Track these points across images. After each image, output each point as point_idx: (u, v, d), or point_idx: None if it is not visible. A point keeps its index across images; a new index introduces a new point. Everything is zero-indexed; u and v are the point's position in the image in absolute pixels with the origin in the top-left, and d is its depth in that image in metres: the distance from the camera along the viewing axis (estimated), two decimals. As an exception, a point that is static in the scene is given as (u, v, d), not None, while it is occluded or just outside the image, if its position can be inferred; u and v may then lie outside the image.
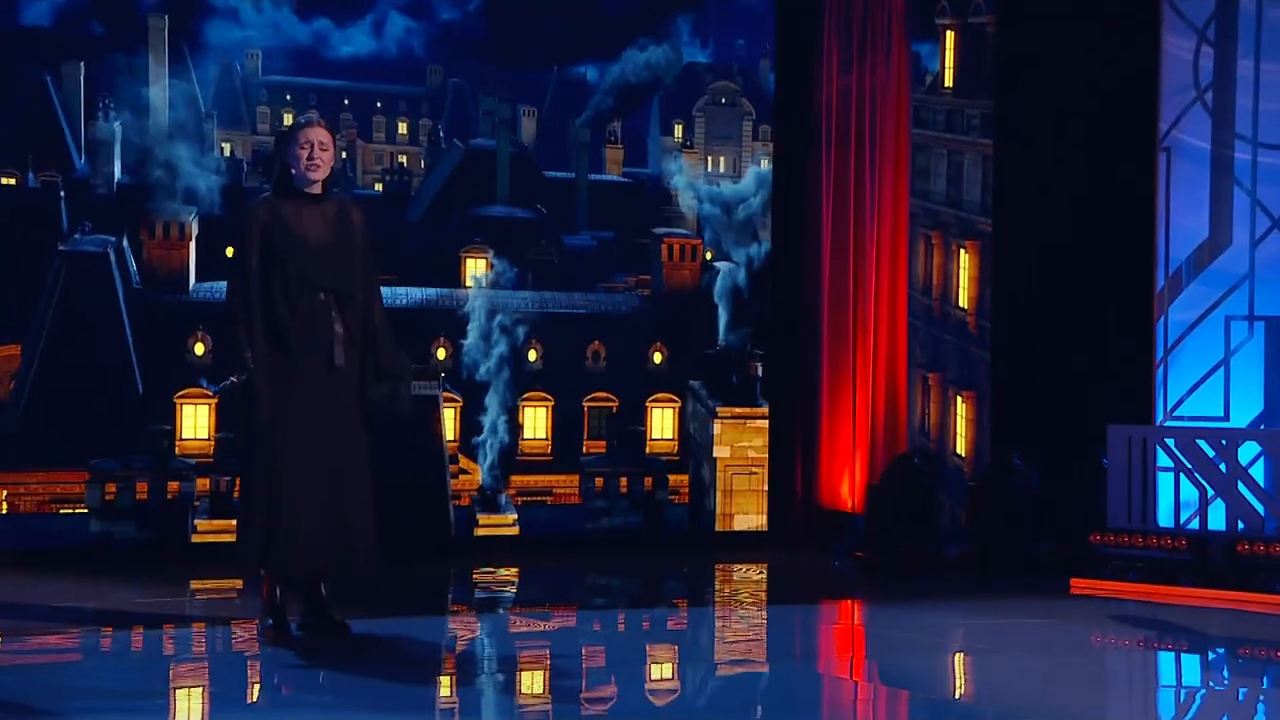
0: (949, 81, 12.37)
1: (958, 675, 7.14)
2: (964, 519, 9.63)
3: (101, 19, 9.53)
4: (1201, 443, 8.41)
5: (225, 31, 9.91)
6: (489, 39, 10.44)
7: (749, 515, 10.72)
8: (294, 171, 6.67)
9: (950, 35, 12.30)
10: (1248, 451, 8.59)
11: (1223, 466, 8.31)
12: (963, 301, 12.46)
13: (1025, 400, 10.25)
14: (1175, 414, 9.19)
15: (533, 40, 10.57)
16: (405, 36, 10.24)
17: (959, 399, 12.45)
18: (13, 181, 9.56)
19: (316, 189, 6.70)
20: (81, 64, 9.40)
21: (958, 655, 7.55)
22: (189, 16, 9.76)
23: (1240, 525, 8.25)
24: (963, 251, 12.59)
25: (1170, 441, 8.53)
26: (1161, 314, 9.30)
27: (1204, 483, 8.39)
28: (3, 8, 9.39)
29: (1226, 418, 9.07)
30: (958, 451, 12.46)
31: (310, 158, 6.62)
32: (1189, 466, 8.42)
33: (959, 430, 12.33)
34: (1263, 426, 9.05)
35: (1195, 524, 8.51)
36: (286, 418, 6.55)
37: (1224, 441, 8.49)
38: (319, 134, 6.68)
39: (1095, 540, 8.45)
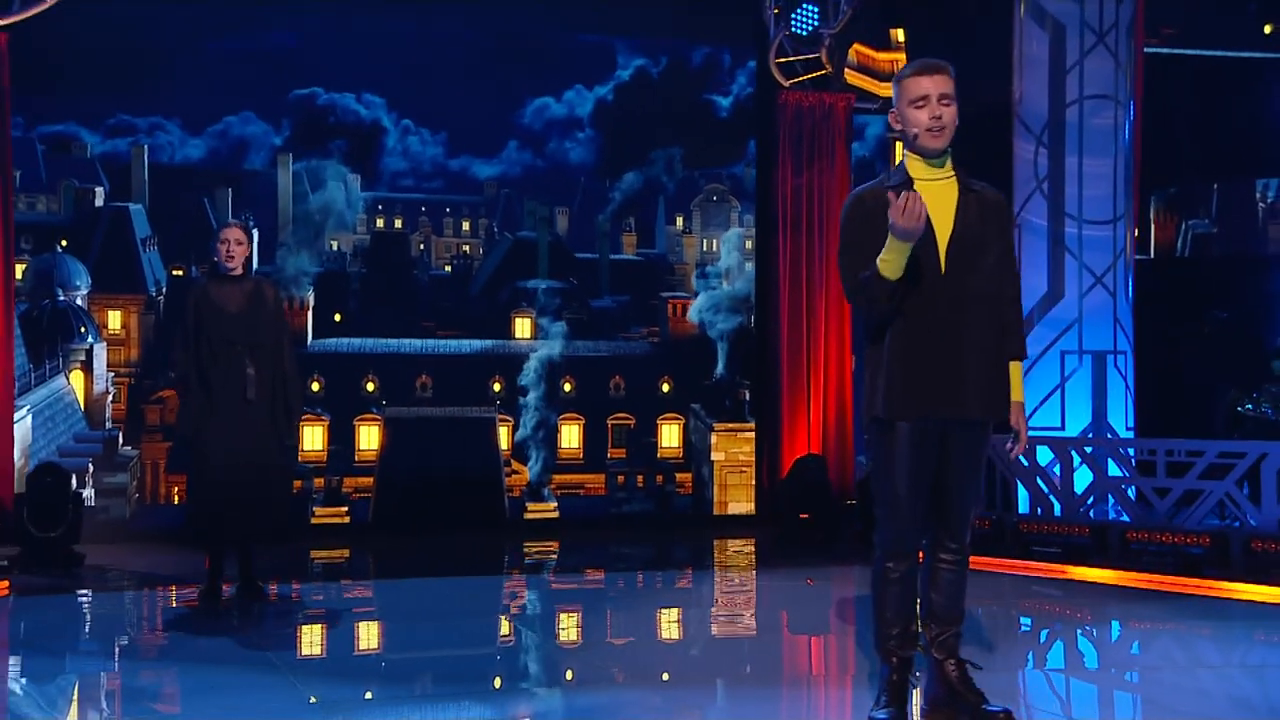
0: (898, 177, 12.64)
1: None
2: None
3: (245, 158, 10.02)
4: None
5: (394, 161, 10.45)
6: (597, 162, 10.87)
7: (739, 503, 10.71)
8: (217, 260, 6.89)
9: (899, 145, 12.56)
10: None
11: (1025, 463, 8.30)
12: (912, 341, 12.66)
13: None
14: (1029, 424, 9.21)
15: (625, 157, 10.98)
16: (519, 155, 10.64)
17: (910, 415, 12.62)
18: (181, 272, 9.89)
19: (237, 271, 6.84)
20: (230, 189, 9.87)
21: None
22: (373, 154, 10.37)
23: (1039, 510, 8.18)
24: (912, 304, 12.79)
25: (991, 447, 8.49)
26: (1017, 349, 9.43)
27: (1008, 476, 8.37)
28: (176, 148, 9.86)
29: (1063, 428, 9.09)
30: (910, 455, 12.63)
31: (229, 251, 6.81)
32: (1008, 466, 8.34)
33: (911, 439, 12.49)
34: (1090, 434, 9.08)
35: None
36: (212, 437, 6.74)
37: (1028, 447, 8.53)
38: (235, 233, 6.85)
39: (931, 520, 8.51)
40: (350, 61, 10.20)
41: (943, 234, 4.34)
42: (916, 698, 4.66)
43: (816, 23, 9.36)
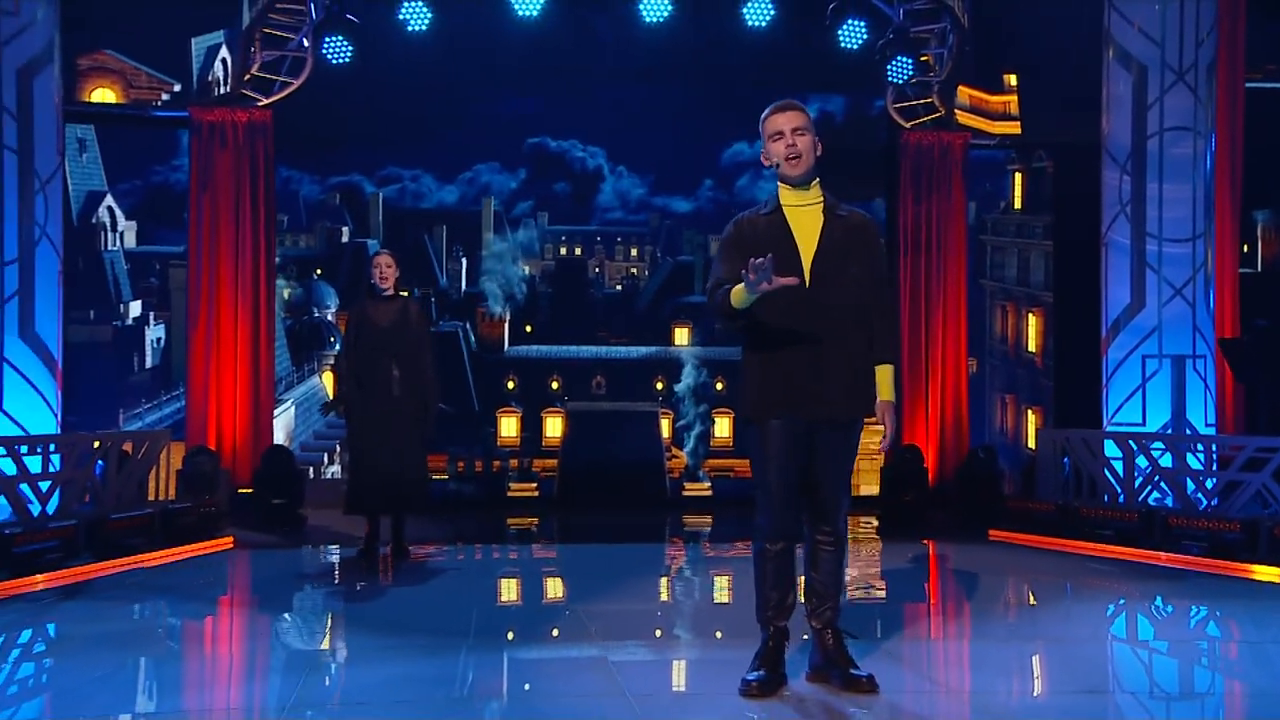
0: (1018, 204, 12.38)
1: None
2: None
3: (458, 203, 10.76)
4: (1083, 441, 8.17)
5: (607, 199, 10.97)
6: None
7: (868, 485, 10.40)
8: (373, 283, 7.02)
9: (1019, 175, 12.32)
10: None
11: (1094, 455, 8.07)
12: (1032, 347, 12.35)
13: (1070, 411, 10.28)
14: (1114, 420, 8.92)
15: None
16: (712, 194, 11.01)
17: (1029, 412, 12.33)
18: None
19: (389, 291, 6.98)
20: (444, 227, 10.55)
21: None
22: (591, 194, 10.98)
23: (1105, 498, 7.90)
24: (1031, 315, 12.49)
25: (1067, 440, 8.28)
26: (1104, 353, 9.12)
27: (1080, 467, 8.10)
28: (433, 192, 10.69)
29: (1144, 424, 8.80)
30: (1029, 446, 12.34)
31: (381, 274, 6.95)
32: (1079, 457, 8.10)
33: (1030, 432, 12.22)
34: (1169, 430, 8.75)
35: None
36: (365, 424, 6.98)
37: (1093, 440, 8.21)
38: (386, 259, 6.97)
39: (1010, 505, 8.30)
40: (579, 119, 10.66)
41: (807, 252, 4.25)
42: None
43: (911, 72, 9.27)
